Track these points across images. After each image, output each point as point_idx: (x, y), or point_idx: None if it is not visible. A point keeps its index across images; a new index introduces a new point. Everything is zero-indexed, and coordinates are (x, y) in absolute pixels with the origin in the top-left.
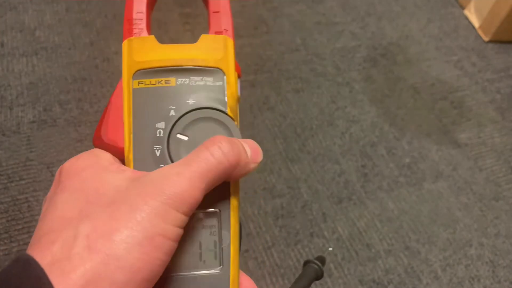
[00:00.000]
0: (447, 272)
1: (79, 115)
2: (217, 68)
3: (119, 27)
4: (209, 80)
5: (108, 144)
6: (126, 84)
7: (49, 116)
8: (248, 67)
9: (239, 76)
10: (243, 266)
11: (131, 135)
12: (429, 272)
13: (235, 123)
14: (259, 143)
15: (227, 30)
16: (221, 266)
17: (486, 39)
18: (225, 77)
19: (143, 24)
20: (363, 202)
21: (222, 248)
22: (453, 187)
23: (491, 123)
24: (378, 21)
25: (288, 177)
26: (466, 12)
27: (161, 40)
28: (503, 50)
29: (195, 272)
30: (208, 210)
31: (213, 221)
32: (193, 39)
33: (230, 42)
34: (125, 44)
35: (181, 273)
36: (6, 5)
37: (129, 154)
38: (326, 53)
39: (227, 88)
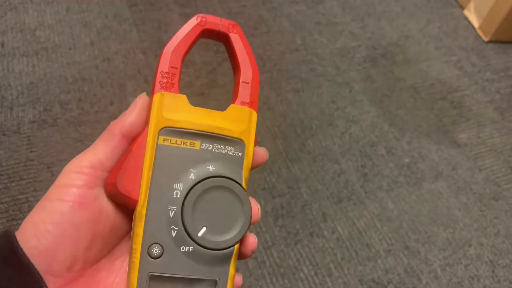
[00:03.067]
0: (447, 272)
1: (79, 115)
2: (240, 139)
3: (119, 27)
4: (230, 150)
5: (121, 193)
6: (152, 138)
7: (50, 116)
8: None
9: (255, 145)
10: (243, 265)
11: (148, 190)
12: (429, 272)
13: (246, 193)
14: (259, 143)
15: (253, 103)
16: None
17: (485, 39)
18: (245, 148)
19: (175, 79)
20: (363, 202)
21: None
22: (453, 187)
23: (491, 123)
24: (377, 21)
25: (288, 177)
26: (465, 12)
27: (161, 40)
28: (503, 50)
29: None
30: (207, 278)
31: None
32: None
33: (255, 116)
34: (156, 97)
35: None
36: (6, 5)
37: (142, 209)
38: (326, 53)
39: (245, 160)
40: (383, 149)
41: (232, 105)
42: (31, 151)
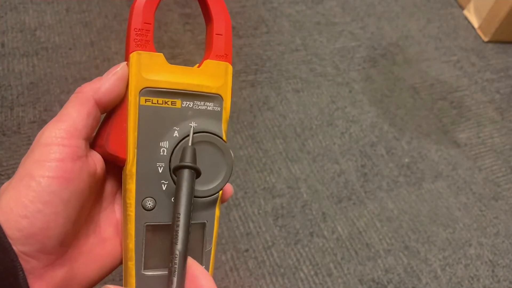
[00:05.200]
0: (447, 272)
1: None
2: (218, 94)
3: (119, 27)
4: (209, 105)
5: (110, 153)
6: (133, 98)
7: (50, 116)
8: (248, 67)
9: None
10: (243, 265)
11: (136, 150)
12: (429, 272)
13: (228, 144)
14: (259, 143)
15: (227, 55)
16: (203, 266)
17: (485, 39)
18: (223, 102)
19: (149, 36)
20: (363, 201)
21: (205, 252)
22: (453, 187)
23: (491, 123)
24: (377, 21)
25: (288, 177)
26: (465, 12)
27: (162, 40)
28: (503, 50)
29: None
30: (197, 222)
31: (201, 230)
32: (193, 39)
33: (230, 69)
34: (133, 56)
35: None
36: (6, 5)
37: (132, 167)
38: (325, 53)
39: (223, 113)
40: (383, 149)
41: (207, 60)
42: None
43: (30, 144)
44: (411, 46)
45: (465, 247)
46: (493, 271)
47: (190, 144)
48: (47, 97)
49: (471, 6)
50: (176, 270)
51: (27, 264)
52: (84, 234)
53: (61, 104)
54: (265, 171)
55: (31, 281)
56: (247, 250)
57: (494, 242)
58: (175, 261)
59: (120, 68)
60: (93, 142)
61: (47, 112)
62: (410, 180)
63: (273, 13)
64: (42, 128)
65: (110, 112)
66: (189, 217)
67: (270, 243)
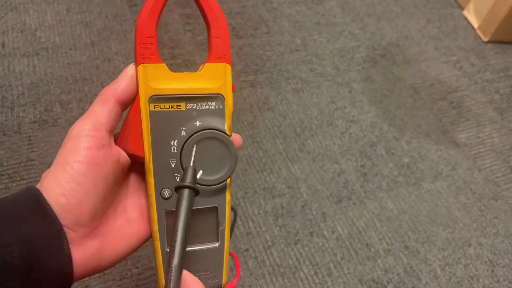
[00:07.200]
0: (446, 272)
1: (80, 115)
2: (219, 94)
3: (120, 27)
4: (212, 105)
5: (130, 153)
6: (144, 106)
7: (50, 116)
8: (248, 67)
9: (233, 91)
10: (243, 264)
11: (151, 149)
12: (428, 272)
13: (231, 138)
14: (259, 143)
15: (225, 56)
16: (219, 242)
17: (485, 39)
18: (224, 101)
19: (153, 47)
20: (363, 201)
21: (219, 231)
22: (452, 186)
23: (490, 123)
24: (377, 21)
25: (288, 177)
26: (465, 12)
27: (162, 40)
28: (502, 51)
29: (202, 246)
30: (210, 206)
31: (214, 213)
32: (193, 40)
33: (229, 69)
34: (140, 69)
35: (193, 246)
36: (7, 6)
37: (149, 164)
38: (325, 54)
39: (226, 110)
40: (382, 149)
41: (206, 64)
42: (32, 151)
43: (30, 144)
44: (411, 46)
45: (464, 247)
46: (492, 271)
47: (191, 164)
48: (47, 97)
49: (471, 6)
50: (172, 282)
51: (67, 235)
52: (113, 214)
53: (62, 104)
54: (265, 171)
55: (72, 248)
56: (247, 250)
57: (493, 242)
58: (171, 274)
59: (129, 69)
60: (116, 145)
61: (47, 112)
62: (410, 180)
63: (273, 13)
64: (42, 128)
65: (127, 120)
66: (185, 235)
67: (270, 243)
